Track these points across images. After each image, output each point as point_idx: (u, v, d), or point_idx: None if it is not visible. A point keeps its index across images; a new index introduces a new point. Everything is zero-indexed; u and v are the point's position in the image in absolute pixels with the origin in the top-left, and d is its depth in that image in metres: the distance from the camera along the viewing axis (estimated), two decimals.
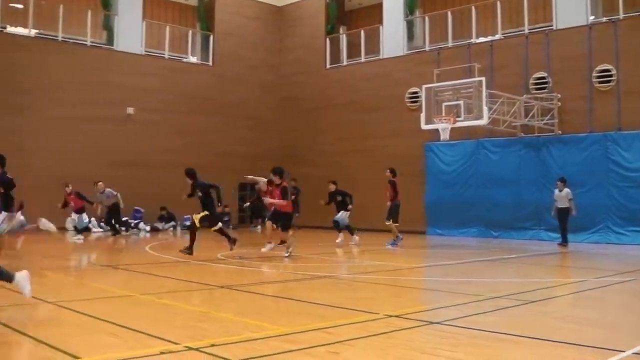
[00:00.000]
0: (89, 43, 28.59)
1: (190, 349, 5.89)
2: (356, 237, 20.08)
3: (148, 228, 26.65)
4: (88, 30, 28.62)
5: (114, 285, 10.71)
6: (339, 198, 20.42)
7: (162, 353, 5.75)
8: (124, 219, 25.45)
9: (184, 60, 31.77)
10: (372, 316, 7.67)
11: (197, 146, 29.32)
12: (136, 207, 26.88)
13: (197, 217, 15.23)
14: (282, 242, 17.33)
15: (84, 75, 27.19)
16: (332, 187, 20.58)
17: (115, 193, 23.00)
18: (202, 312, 8.05)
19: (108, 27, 29.60)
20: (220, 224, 15.67)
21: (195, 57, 32.28)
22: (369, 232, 19.92)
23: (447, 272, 13.60)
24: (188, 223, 27.02)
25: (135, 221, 27.05)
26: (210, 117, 30.44)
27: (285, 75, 33.35)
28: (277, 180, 15.35)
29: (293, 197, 27.70)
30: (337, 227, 20.54)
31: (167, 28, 31.07)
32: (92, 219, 24.97)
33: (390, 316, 7.66)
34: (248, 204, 28.19)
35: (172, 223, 27.81)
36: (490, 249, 19.18)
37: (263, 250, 15.86)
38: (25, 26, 27.45)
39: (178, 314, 8.08)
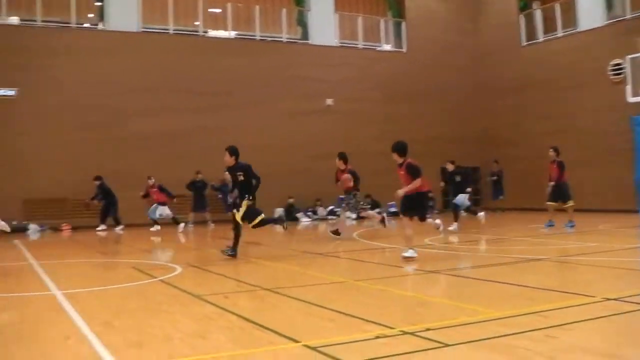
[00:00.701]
0: (284, 40, 29.53)
1: (405, 333, 5.93)
2: (455, 224, 18.24)
3: (354, 216, 27.04)
4: (283, 27, 29.57)
5: (327, 272, 10.98)
6: (458, 179, 18.90)
7: (377, 337, 5.84)
8: (330, 207, 26.07)
9: (378, 49, 31.98)
10: (588, 299, 7.38)
11: (396, 133, 29.08)
12: (341, 196, 27.42)
13: (239, 214, 12.96)
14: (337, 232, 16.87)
15: (283, 71, 28.12)
16: (451, 167, 19.13)
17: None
18: (415, 296, 8.09)
19: (302, 22, 30.38)
20: (260, 217, 13.25)
21: (389, 45, 32.40)
22: (578, 213, 19.02)
23: None
24: (393, 209, 27.32)
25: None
26: (408, 103, 30.41)
27: (480, 56, 32.66)
28: (397, 158, 12.18)
29: (495, 177, 27.30)
30: (456, 210, 18.92)
31: (359, 18, 31.41)
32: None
33: (609, 299, 7.32)
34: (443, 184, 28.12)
35: (377, 210, 28.09)
36: None
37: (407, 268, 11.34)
38: (225, 29, 28.78)
39: (391, 299, 8.17)
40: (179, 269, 11.14)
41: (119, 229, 22.32)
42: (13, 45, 24.44)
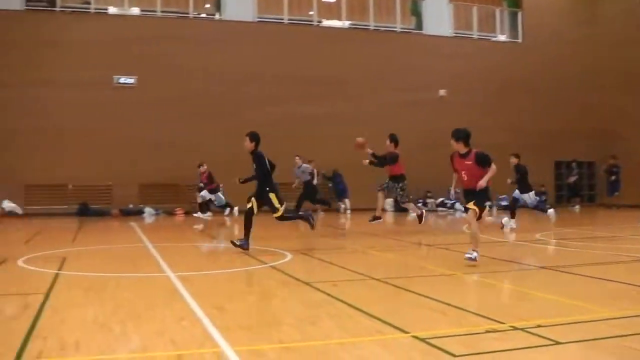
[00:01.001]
0: (398, 30, 29.44)
1: (515, 328, 5.87)
2: (512, 221, 17.09)
3: (464, 208, 26.74)
4: (397, 17, 29.47)
5: (436, 264, 10.91)
6: (518, 175, 17.61)
7: (487, 331, 5.78)
8: (440, 199, 25.93)
9: (493, 39, 31.44)
10: None
11: (510, 126, 28.92)
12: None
13: (278, 212, 12.43)
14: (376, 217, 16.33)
15: (396, 61, 28.03)
16: (514, 160, 17.69)
17: (311, 169, 22.68)
18: (526, 292, 7.94)
19: (416, 12, 30.19)
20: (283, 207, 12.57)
21: (504, 35, 31.80)
22: None
23: None
24: (504, 203, 26.80)
25: (452, 201, 27.39)
26: (522, 95, 29.76)
27: (599, 47, 31.45)
28: (461, 148, 10.81)
29: (613, 177, 26.42)
30: (513, 207, 17.76)
31: (474, 8, 30.95)
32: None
33: None
34: (574, 178, 27.56)
35: (488, 203, 27.69)
36: None
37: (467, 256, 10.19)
38: (339, 19, 28.92)
39: (501, 293, 8.08)
40: (288, 256, 11.30)
41: (227, 214, 22.74)
42: (134, 35, 25.32)
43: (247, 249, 12.01)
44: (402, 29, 29.65)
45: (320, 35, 28.17)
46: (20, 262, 10.61)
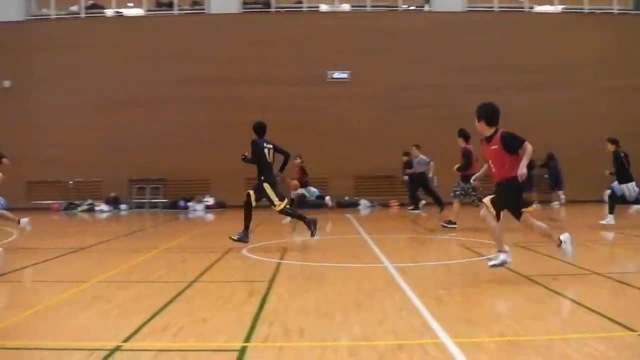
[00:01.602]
0: (616, 11, 28.13)
1: None
2: (610, 217, 15.18)
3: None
4: None
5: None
6: (616, 164, 15.33)
7: None
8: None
9: None
10: None
11: None
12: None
13: (278, 206, 12.22)
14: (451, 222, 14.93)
15: (616, 44, 26.52)
16: (611, 147, 15.42)
17: (427, 160, 20.83)
18: None
19: None
20: (284, 202, 12.38)
21: None
22: None
23: None
24: None
25: None
26: None
27: None
28: (484, 129, 8.61)
29: None
30: (612, 199, 15.51)
31: None
32: None
33: None
34: None
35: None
36: None
37: None
38: (550, 3, 28.04)
39: None
40: (506, 249, 11.11)
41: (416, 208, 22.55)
42: (345, 30, 26.04)
43: (247, 242, 12.09)
44: (619, 10, 28.11)
45: (532, 21, 27.39)
46: (244, 252, 11.27)
